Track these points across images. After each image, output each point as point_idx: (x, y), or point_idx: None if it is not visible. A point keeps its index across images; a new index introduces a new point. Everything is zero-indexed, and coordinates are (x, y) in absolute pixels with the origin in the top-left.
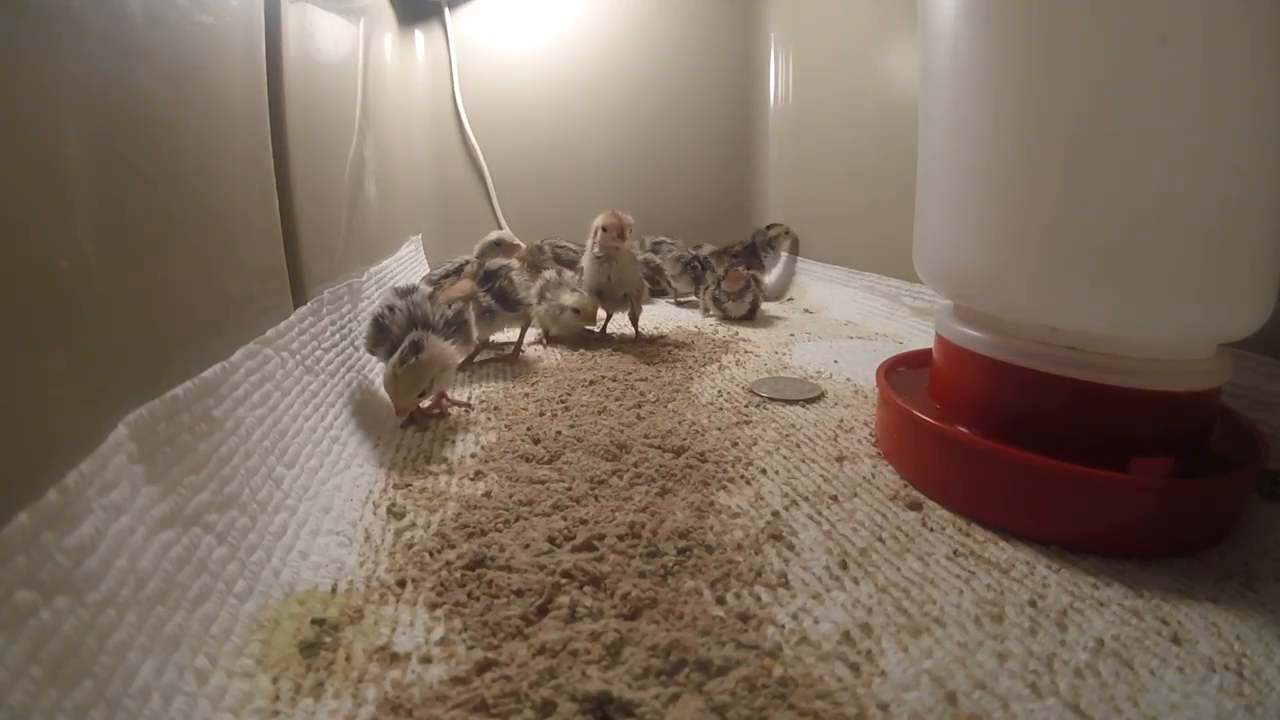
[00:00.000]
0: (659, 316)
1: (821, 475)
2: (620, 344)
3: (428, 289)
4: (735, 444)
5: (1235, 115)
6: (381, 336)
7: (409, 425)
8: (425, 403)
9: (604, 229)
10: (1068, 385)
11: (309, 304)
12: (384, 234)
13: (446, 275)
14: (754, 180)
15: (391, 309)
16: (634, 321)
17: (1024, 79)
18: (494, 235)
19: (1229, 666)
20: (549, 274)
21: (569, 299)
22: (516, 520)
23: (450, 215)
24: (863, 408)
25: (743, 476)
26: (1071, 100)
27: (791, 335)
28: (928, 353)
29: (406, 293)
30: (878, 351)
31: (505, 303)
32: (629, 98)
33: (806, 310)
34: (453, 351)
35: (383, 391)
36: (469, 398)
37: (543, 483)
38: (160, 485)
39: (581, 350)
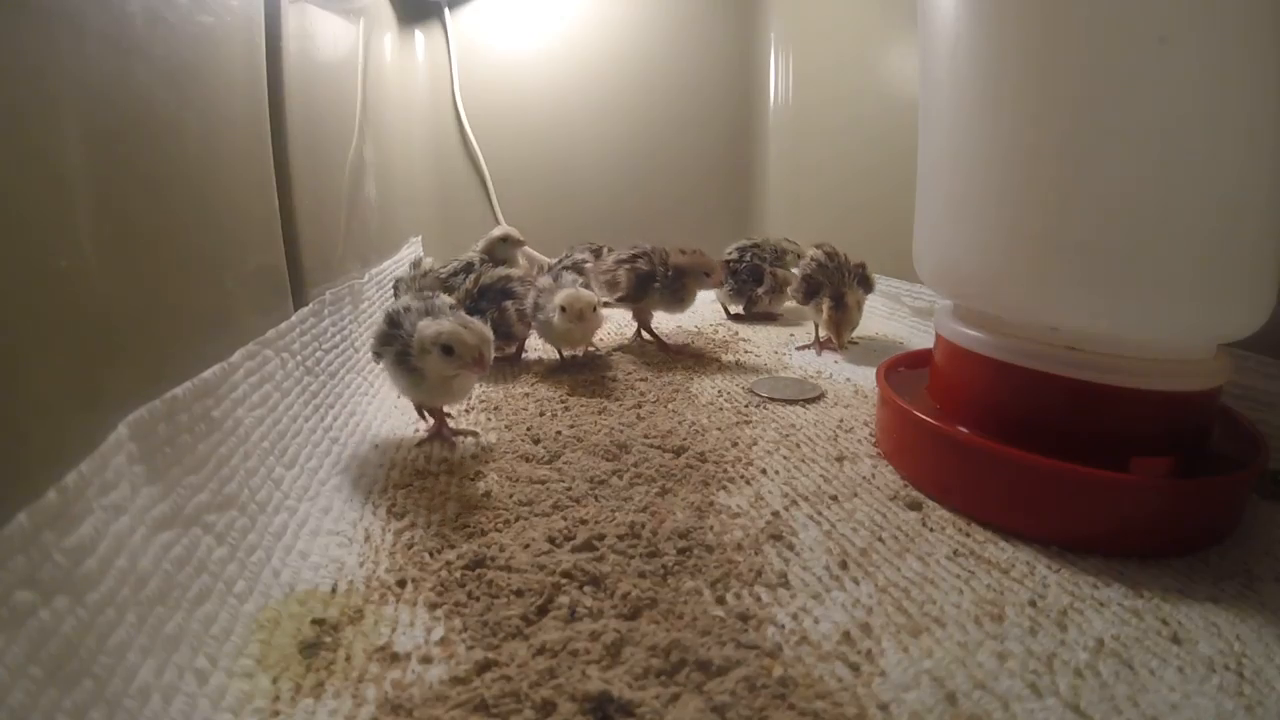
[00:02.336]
0: (658, 317)
1: (821, 475)
2: (620, 344)
3: (449, 300)
4: (735, 444)
5: (1235, 115)
6: (392, 335)
7: (430, 439)
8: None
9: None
10: (1068, 385)
11: (310, 305)
12: (384, 234)
13: (455, 274)
14: (754, 180)
15: (408, 308)
16: (648, 329)
17: (1023, 79)
18: (499, 231)
19: (1229, 666)
20: (544, 281)
21: (560, 296)
22: (516, 520)
23: (450, 216)
24: (863, 408)
25: (743, 476)
26: (1071, 100)
27: (791, 335)
28: (928, 353)
29: (424, 299)
30: (878, 351)
31: (497, 334)
32: (629, 98)
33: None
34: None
35: (383, 395)
36: (469, 399)
37: (543, 483)
38: (160, 485)
39: (580, 351)
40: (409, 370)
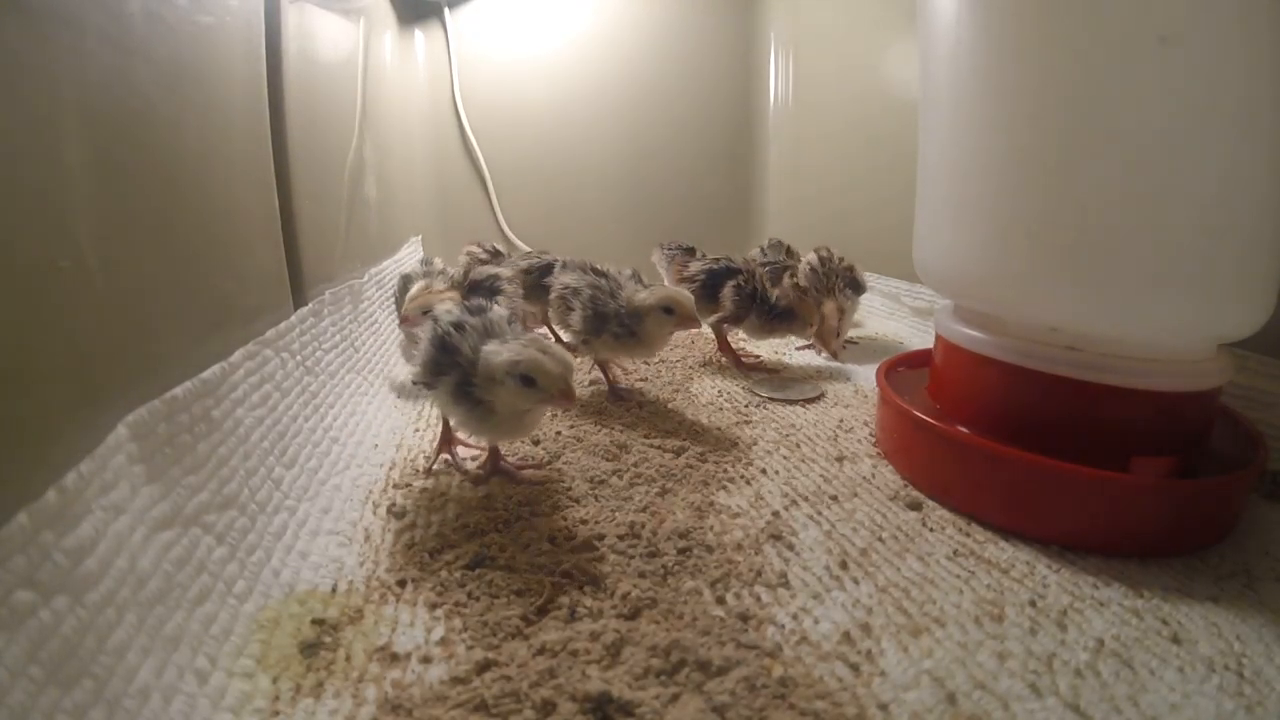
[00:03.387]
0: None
1: (821, 475)
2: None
3: (504, 311)
4: (735, 444)
5: (1235, 115)
6: (447, 361)
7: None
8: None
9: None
10: (1068, 385)
11: (310, 305)
12: (384, 234)
13: (533, 268)
14: (754, 182)
15: (460, 326)
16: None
17: (1024, 79)
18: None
19: (1229, 666)
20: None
21: (649, 296)
22: (516, 520)
23: (450, 216)
24: (863, 408)
25: (743, 476)
26: (1071, 100)
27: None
28: (928, 353)
29: (477, 310)
30: (878, 351)
31: None
32: (629, 97)
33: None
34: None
35: (383, 395)
36: None
37: (543, 483)
38: (159, 485)
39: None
40: (472, 403)
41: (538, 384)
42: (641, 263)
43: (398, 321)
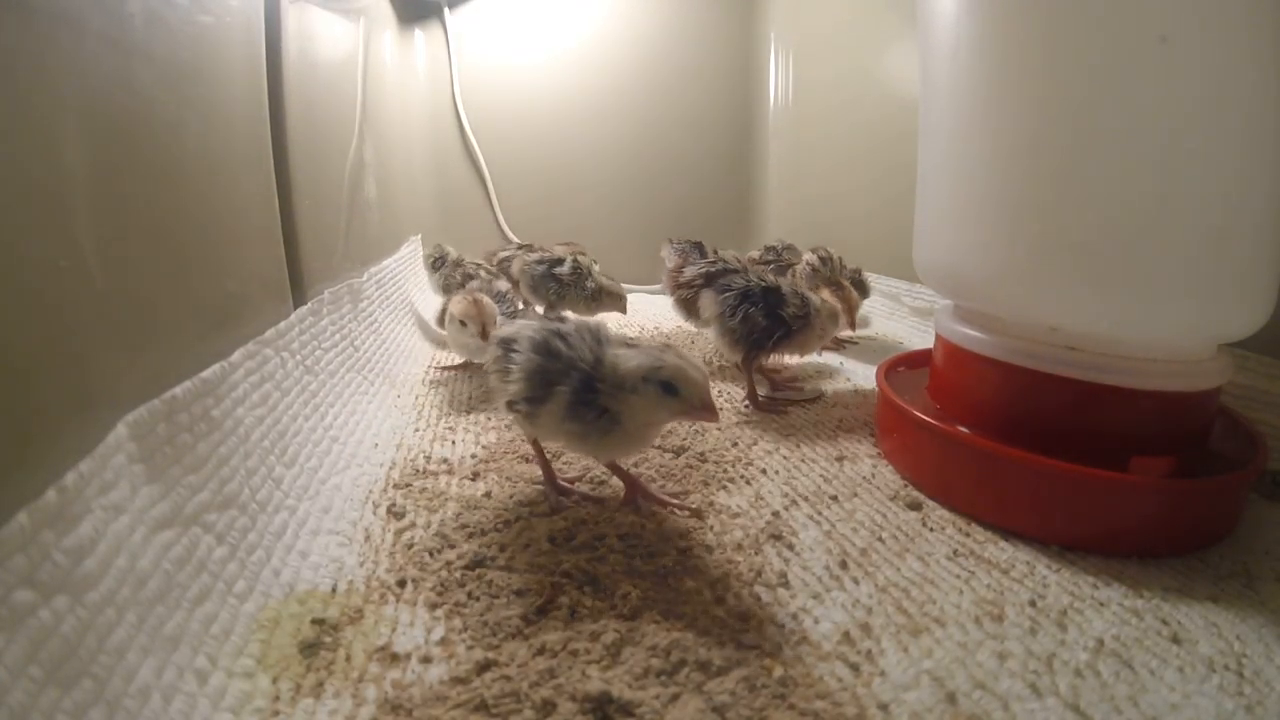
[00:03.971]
0: (659, 317)
1: (821, 475)
2: None
3: (576, 319)
4: (735, 444)
5: (1235, 115)
6: (558, 369)
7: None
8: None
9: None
10: (1068, 385)
11: (309, 304)
12: (384, 234)
13: (548, 262)
14: (754, 182)
15: (563, 336)
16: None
17: (1023, 80)
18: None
19: (1229, 666)
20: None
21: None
22: (516, 520)
23: (450, 215)
24: (863, 408)
25: (743, 476)
26: (1071, 100)
27: None
28: (928, 353)
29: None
30: (878, 351)
31: None
32: (629, 97)
33: None
34: None
35: (383, 395)
36: (469, 399)
37: (543, 483)
38: (160, 485)
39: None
40: (595, 414)
41: (679, 393)
42: (641, 262)
43: (478, 334)
